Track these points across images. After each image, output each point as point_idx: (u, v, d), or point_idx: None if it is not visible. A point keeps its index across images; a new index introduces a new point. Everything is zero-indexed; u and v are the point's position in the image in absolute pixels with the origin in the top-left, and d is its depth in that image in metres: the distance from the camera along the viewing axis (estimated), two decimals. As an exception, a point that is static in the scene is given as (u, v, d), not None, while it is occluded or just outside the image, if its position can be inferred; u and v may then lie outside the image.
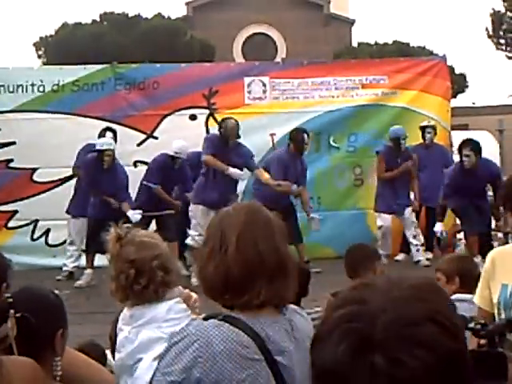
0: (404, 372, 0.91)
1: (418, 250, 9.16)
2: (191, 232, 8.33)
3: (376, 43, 29.49)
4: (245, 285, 2.00)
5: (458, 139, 15.77)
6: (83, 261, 8.87)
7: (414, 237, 9.21)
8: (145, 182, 8.70)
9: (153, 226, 8.40)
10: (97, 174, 8.46)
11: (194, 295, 2.71)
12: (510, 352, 1.96)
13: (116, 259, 2.46)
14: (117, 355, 2.42)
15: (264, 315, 2.03)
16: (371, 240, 8.69)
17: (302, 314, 2.23)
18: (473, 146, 8.43)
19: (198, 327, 1.96)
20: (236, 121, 8.55)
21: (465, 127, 19.99)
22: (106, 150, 8.40)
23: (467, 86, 29.10)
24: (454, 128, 16.34)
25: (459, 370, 0.94)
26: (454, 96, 28.62)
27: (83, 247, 8.90)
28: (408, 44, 28.69)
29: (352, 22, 32.98)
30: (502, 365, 1.91)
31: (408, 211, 9.23)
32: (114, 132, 9.25)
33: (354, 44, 30.98)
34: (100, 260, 9.09)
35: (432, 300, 0.97)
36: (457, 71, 28.07)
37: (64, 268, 8.97)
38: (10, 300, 2.10)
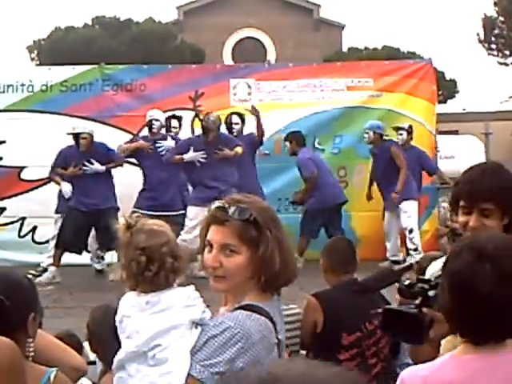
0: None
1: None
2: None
3: (366, 48, 29.54)
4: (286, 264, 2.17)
5: (446, 144, 15.95)
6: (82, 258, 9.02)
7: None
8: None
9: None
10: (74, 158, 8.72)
11: None
12: (435, 312, 2.01)
13: (126, 247, 2.46)
14: (128, 342, 2.39)
15: (269, 299, 2.16)
16: (356, 242, 8.74)
17: None
18: None
19: (234, 320, 2.05)
20: (218, 116, 8.82)
21: (455, 133, 20.09)
22: (80, 133, 8.65)
23: (457, 92, 29.17)
24: (443, 133, 16.46)
25: None
26: (445, 101, 28.77)
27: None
28: (398, 49, 28.72)
29: (342, 27, 33.05)
30: (419, 326, 1.98)
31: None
32: (179, 119, 9.51)
33: (344, 49, 31.05)
34: (85, 258, 9.23)
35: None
36: (447, 77, 28.17)
37: (41, 264, 9.01)
38: (-15, 283, 2.20)
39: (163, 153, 8.89)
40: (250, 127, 9.61)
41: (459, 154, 17.22)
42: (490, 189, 2.34)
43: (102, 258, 9.17)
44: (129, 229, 2.49)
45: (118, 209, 8.69)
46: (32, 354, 2.21)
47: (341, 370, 0.96)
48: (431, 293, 2.05)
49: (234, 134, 9.25)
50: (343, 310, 3.99)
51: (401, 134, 9.92)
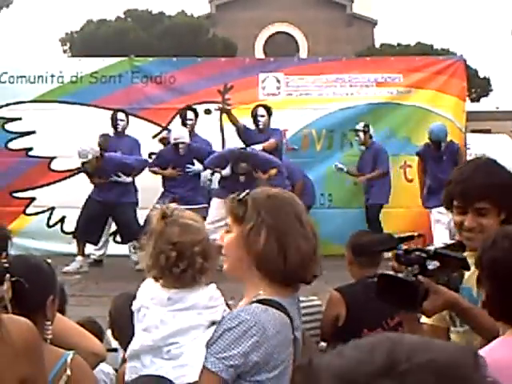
0: None
1: None
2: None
3: (399, 44, 29.32)
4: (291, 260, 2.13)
5: (478, 142, 15.76)
6: (109, 249, 9.16)
7: None
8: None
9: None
10: None
11: None
12: (432, 282, 1.98)
13: (158, 237, 2.44)
14: (146, 335, 2.40)
15: (288, 295, 2.15)
16: (380, 239, 8.68)
17: None
18: None
19: (250, 313, 2.04)
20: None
21: (487, 132, 19.84)
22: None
23: (491, 90, 28.85)
24: (475, 132, 16.28)
25: None
26: (478, 100, 28.46)
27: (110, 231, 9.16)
28: (431, 46, 28.47)
29: (375, 23, 32.86)
30: (414, 293, 1.93)
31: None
32: (195, 111, 9.52)
33: (377, 45, 30.83)
34: (114, 249, 9.32)
35: None
36: (481, 75, 27.85)
37: (91, 256, 9.19)
38: (7, 265, 2.23)
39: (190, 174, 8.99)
40: (276, 121, 9.61)
41: (490, 153, 16.99)
42: (484, 187, 2.23)
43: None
44: (164, 219, 2.46)
45: (135, 203, 8.82)
46: (50, 336, 2.24)
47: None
48: (430, 265, 1.99)
49: (260, 126, 9.23)
50: (365, 306, 3.97)
51: (358, 136, 9.85)
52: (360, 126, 9.83)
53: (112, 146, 9.21)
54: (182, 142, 8.86)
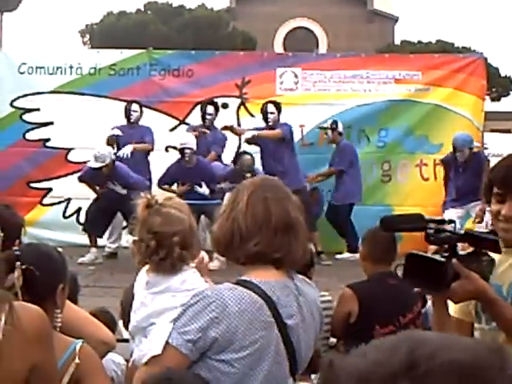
0: None
1: None
2: None
3: (419, 42, 29.20)
4: (250, 235, 2.15)
5: (496, 142, 15.64)
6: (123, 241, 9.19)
7: None
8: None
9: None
10: None
11: (206, 257, 2.83)
12: (464, 267, 1.95)
13: (141, 226, 2.55)
14: (132, 316, 2.54)
15: (275, 279, 2.15)
16: (398, 237, 8.61)
17: (309, 282, 2.34)
18: None
19: (213, 290, 2.10)
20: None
21: (507, 132, 19.69)
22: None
23: (512, 90, 28.66)
24: (494, 131, 16.14)
25: None
26: (498, 99, 28.24)
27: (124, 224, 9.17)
28: (452, 44, 28.32)
29: (396, 20, 32.73)
30: (443, 273, 1.90)
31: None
32: (216, 106, 9.52)
33: (397, 42, 30.71)
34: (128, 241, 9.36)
35: None
36: (502, 73, 27.62)
37: (106, 248, 9.24)
38: (18, 253, 2.25)
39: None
40: (293, 116, 9.58)
41: (509, 153, 16.88)
42: None
43: None
44: (147, 208, 2.56)
45: None
46: (59, 324, 2.27)
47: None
48: (461, 249, 1.96)
49: (270, 123, 9.18)
50: (378, 303, 3.98)
51: (326, 134, 9.76)
52: (327, 123, 9.79)
53: (125, 136, 9.24)
54: (189, 148, 8.79)
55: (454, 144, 9.11)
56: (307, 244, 2.32)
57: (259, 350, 2.06)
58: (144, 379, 2.10)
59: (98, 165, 8.54)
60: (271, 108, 9.26)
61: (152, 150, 9.39)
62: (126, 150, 9.13)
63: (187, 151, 8.80)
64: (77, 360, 2.15)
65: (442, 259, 1.92)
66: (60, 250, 2.49)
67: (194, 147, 8.84)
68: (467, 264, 1.97)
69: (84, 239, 9.21)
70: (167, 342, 2.08)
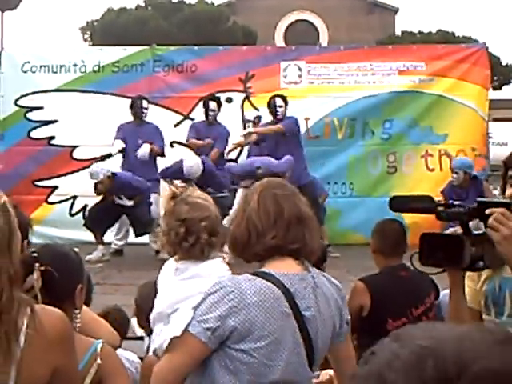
0: None
1: None
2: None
3: (420, 32, 29.15)
4: (266, 230, 2.20)
5: (499, 130, 15.64)
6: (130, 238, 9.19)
7: None
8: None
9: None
10: None
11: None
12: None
13: (169, 216, 2.60)
14: (157, 303, 2.55)
15: (293, 272, 2.18)
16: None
17: (327, 276, 2.36)
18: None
19: (232, 280, 2.14)
20: None
21: (509, 120, 19.64)
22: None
23: (514, 78, 28.59)
24: (497, 120, 16.11)
25: None
26: (500, 87, 28.16)
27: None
28: (453, 33, 28.28)
29: (396, 11, 32.66)
30: (460, 246, 1.87)
31: None
32: (219, 101, 9.48)
33: (398, 32, 30.67)
34: (134, 238, 9.37)
35: None
36: (503, 62, 27.56)
37: (112, 245, 9.23)
38: (35, 254, 2.24)
39: None
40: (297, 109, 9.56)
41: (512, 141, 16.92)
42: None
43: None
44: (173, 198, 2.61)
45: (148, 196, 8.84)
46: (79, 325, 2.26)
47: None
48: (472, 227, 1.91)
49: (279, 116, 9.14)
50: (390, 296, 3.97)
51: (248, 127, 9.78)
52: (252, 116, 9.84)
53: (132, 134, 9.23)
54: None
55: (452, 166, 9.09)
56: (319, 237, 2.36)
57: (277, 340, 2.09)
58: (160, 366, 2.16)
59: (93, 181, 8.61)
60: (279, 101, 9.21)
61: (163, 155, 9.30)
62: (145, 151, 9.10)
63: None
64: (98, 361, 2.15)
65: (456, 233, 1.92)
66: (76, 249, 2.49)
67: (199, 174, 8.60)
68: (480, 242, 1.92)
69: (91, 236, 9.20)
70: (186, 330, 2.12)
